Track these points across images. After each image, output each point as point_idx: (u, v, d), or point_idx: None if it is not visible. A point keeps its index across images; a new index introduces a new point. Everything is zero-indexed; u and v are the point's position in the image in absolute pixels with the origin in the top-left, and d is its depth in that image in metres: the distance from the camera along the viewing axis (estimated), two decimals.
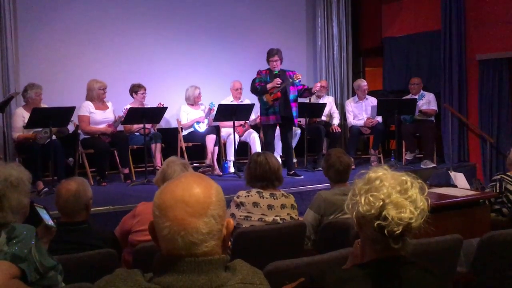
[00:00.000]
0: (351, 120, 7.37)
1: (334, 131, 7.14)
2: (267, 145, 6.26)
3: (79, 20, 6.67)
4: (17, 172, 2.01)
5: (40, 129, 5.38)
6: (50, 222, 2.21)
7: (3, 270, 1.78)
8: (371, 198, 1.45)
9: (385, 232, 1.41)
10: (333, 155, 3.32)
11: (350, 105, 7.45)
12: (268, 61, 6.10)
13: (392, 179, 1.49)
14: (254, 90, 6.13)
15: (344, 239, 2.36)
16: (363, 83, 7.41)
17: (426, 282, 1.49)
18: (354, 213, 1.50)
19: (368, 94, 7.45)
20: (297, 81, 5.96)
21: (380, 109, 6.88)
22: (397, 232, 1.41)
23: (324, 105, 7.06)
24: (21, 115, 5.50)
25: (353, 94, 7.85)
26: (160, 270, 1.21)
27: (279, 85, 5.89)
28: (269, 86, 5.94)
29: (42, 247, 1.97)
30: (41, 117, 5.21)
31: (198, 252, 1.19)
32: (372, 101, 7.30)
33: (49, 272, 1.93)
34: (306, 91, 6.20)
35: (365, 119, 7.22)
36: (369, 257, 1.52)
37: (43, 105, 5.68)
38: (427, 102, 7.12)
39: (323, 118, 7.26)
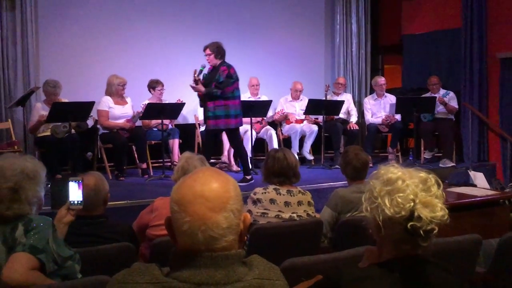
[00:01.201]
0: (369, 117, 7.32)
1: (352, 128, 7.10)
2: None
3: (99, 16, 6.72)
4: (32, 164, 2.03)
5: (60, 124, 5.45)
6: (76, 200, 2.22)
7: (22, 261, 1.81)
8: (399, 200, 1.42)
9: (420, 232, 1.40)
10: (351, 152, 3.30)
11: (369, 103, 7.39)
12: None
13: (412, 178, 1.47)
14: None
15: (361, 237, 2.35)
16: (380, 79, 7.36)
17: (445, 282, 1.47)
18: (378, 217, 1.46)
19: (386, 92, 7.39)
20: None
21: (399, 107, 6.81)
22: (434, 231, 1.41)
23: (341, 102, 7.02)
24: (41, 109, 5.58)
25: (371, 91, 7.79)
26: (177, 265, 1.21)
27: (194, 79, 5.28)
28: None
29: (59, 238, 2.00)
30: (61, 111, 5.27)
31: (217, 247, 1.20)
32: (391, 98, 7.24)
33: (66, 262, 1.97)
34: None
35: (383, 117, 7.16)
36: (387, 256, 1.50)
37: (63, 99, 5.75)
38: (448, 100, 7.04)
39: (341, 115, 7.22)
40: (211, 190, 1.21)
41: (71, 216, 2.24)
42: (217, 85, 5.20)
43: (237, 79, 5.38)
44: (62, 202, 2.25)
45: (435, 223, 1.41)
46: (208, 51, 5.34)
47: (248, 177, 5.54)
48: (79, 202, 2.23)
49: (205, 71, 5.40)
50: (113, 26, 6.79)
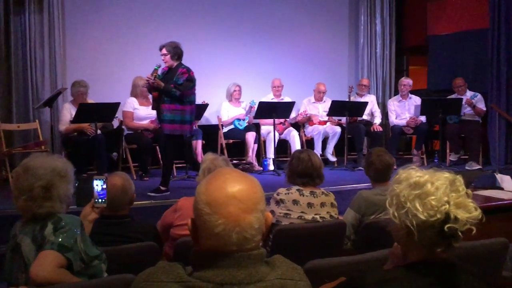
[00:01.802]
0: (393, 119, 7.25)
1: (375, 130, 7.05)
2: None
3: (125, 18, 6.82)
4: (62, 163, 2.08)
5: (86, 124, 5.58)
6: (100, 199, 2.26)
7: (51, 259, 1.84)
8: (433, 203, 1.39)
9: (458, 233, 1.38)
10: (374, 154, 3.27)
11: (393, 104, 7.32)
12: None
13: (440, 180, 1.45)
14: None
15: (385, 240, 2.33)
16: (403, 79, 7.31)
17: (472, 286, 1.45)
18: (411, 222, 1.42)
19: (411, 93, 7.31)
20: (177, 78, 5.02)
21: (424, 109, 6.73)
22: (473, 232, 1.39)
23: (365, 103, 6.96)
24: (69, 110, 5.70)
25: (396, 93, 7.71)
26: (199, 264, 1.22)
27: (147, 82, 5.02)
28: (146, 86, 5.24)
29: (87, 237, 2.03)
30: (87, 112, 5.37)
31: (248, 247, 1.21)
32: (416, 100, 7.16)
33: (93, 261, 1.99)
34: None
35: (408, 118, 7.08)
36: (413, 258, 1.48)
37: (90, 100, 5.85)
38: (476, 102, 6.93)
39: (364, 117, 7.16)
40: (243, 191, 1.21)
41: (96, 214, 2.27)
42: (176, 86, 4.93)
43: (195, 84, 5.13)
44: (87, 200, 2.29)
45: (473, 223, 1.39)
46: (164, 51, 5.07)
47: (163, 188, 5.10)
48: (103, 200, 2.26)
49: (159, 72, 5.07)
50: (138, 29, 6.88)
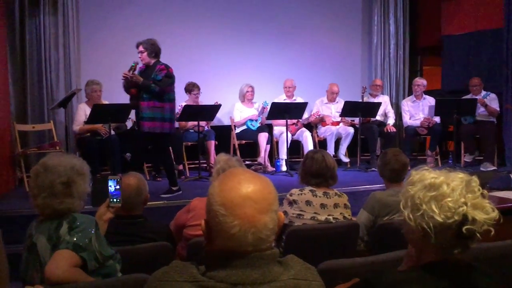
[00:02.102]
0: (407, 120, 7.20)
1: (389, 131, 7.01)
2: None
3: (138, 19, 6.86)
4: (79, 161, 2.12)
5: (100, 125, 5.63)
6: (115, 199, 2.28)
7: (66, 258, 1.86)
8: (450, 204, 1.38)
9: (477, 235, 1.37)
10: (389, 154, 3.25)
11: (407, 105, 7.28)
12: None
13: (455, 181, 1.43)
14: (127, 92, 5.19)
15: (399, 241, 2.31)
16: (417, 79, 7.27)
17: (488, 286, 1.43)
18: (427, 224, 1.40)
19: (425, 94, 7.25)
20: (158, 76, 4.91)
21: (438, 109, 6.68)
22: (491, 233, 1.38)
23: (378, 104, 6.93)
24: (84, 110, 5.75)
25: (410, 93, 7.66)
26: (213, 264, 1.22)
27: (124, 78, 4.89)
28: (123, 82, 5.04)
29: (102, 237, 2.05)
30: (101, 113, 5.41)
31: (263, 247, 1.21)
32: (430, 100, 7.11)
33: (108, 261, 2.01)
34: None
35: (422, 119, 7.03)
36: (427, 259, 1.47)
37: (104, 101, 5.90)
38: (489, 101, 6.85)
39: (378, 117, 7.13)
40: (257, 192, 1.21)
41: (111, 214, 2.29)
42: (155, 82, 4.85)
43: (174, 81, 5.06)
44: (102, 200, 2.30)
45: (489, 224, 1.38)
46: (141, 48, 4.97)
47: (175, 188, 5.12)
48: (118, 200, 2.28)
49: (136, 71, 4.99)
50: (151, 30, 6.88)
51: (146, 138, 4.98)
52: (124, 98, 5.78)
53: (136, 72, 4.93)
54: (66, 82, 6.33)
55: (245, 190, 1.21)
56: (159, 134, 4.91)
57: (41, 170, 2.02)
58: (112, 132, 5.65)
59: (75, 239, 1.91)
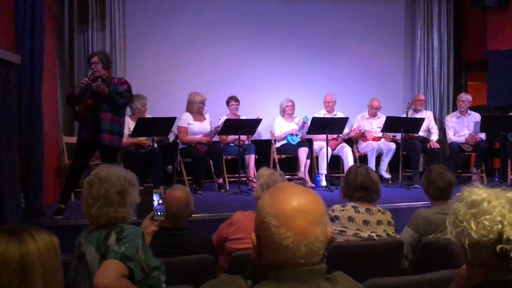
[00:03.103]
0: (451, 136, 7.04)
1: (433, 147, 6.86)
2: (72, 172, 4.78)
3: (181, 36, 7.04)
4: (128, 172, 2.18)
5: (144, 138, 5.77)
6: (159, 212, 2.31)
7: (114, 268, 1.90)
8: (486, 222, 1.35)
9: (510, 255, 1.33)
10: (435, 171, 3.18)
11: (451, 121, 7.12)
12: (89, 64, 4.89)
13: (499, 199, 1.40)
14: (66, 100, 4.92)
15: (444, 260, 2.26)
16: (461, 94, 7.13)
17: None
18: (465, 241, 1.39)
19: (470, 110, 7.08)
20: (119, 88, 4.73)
21: (484, 126, 6.50)
22: None
23: (422, 119, 6.80)
24: (127, 124, 5.88)
25: (454, 109, 7.50)
26: (261, 278, 1.22)
27: (84, 85, 4.59)
28: (76, 90, 4.72)
29: (148, 248, 2.08)
30: (145, 126, 5.53)
31: (314, 260, 1.21)
32: (475, 116, 6.93)
33: (153, 271, 2.04)
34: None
35: (467, 135, 6.86)
36: (476, 280, 1.43)
37: (147, 115, 6.03)
38: None
39: (421, 133, 6.99)
40: (309, 204, 1.22)
41: (155, 227, 2.33)
42: (120, 94, 4.70)
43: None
44: (147, 212, 2.35)
45: None
46: (95, 59, 4.74)
47: None
48: (162, 214, 2.32)
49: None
50: (195, 46, 7.07)
51: (103, 150, 4.76)
52: (166, 112, 5.92)
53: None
54: None
55: (297, 202, 1.21)
56: (116, 148, 4.81)
57: (96, 181, 2.08)
58: (155, 145, 5.76)
59: (122, 249, 1.95)
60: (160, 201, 2.32)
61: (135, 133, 5.57)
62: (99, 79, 4.66)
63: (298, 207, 1.20)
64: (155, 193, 2.33)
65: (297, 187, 1.28)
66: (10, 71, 4.37)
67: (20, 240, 1.27)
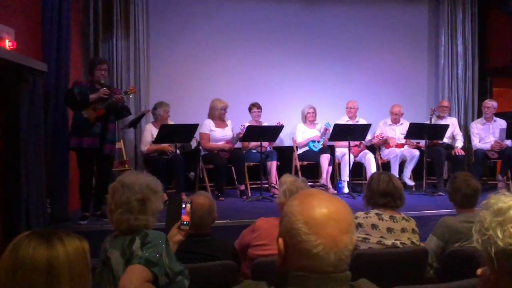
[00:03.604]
0: (476, 143, 6.93)
1: (457, 154, 6.76)
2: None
3: (204, 44, 7.11)
4: (154, 180, 2.19)
5: (166, 145, 5.83)
6: (186, 221, 2.33)
7: (138, 273, 1.91)
8: None
9: None
10: (460, 178, 3.14)
11: (476, 127, 7.01)
12: (93, 70, 4.86)
13: None
14: (70, 101, 4.78)
15: (470, 269, 2.22)
16: (487, 101, 7.01)
17: None
18: (491, 249, 1.38)
19: (496, 116, 6.96)
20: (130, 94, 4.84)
21: (510, 132, 6.39)
22: None
23: (446, 126, 6.71)
24: (150, 131, 5.95)
25: (479, 115, 7.39)
26: (286, 284, 1.21)
27: (106, 96, 4.71)
28: (93, 96, 4.70)
29: (171, 253, 2.10)
30: (168, 133, 5.58)
31: (342, 268, 1.20)
32: (501, 123, 6.81)
33: (177, 276, 2.05)
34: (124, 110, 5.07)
35: (492, 142, 6.74)
36: None
37: (170, 121, 6.09)
38: None
39: (445, 140, 6.90)
40: (339, 212, 1.21)
41: (181, 236, 2.34)
42: (124, 107, 5.01)
43: None
44: (175, 221, 2.36)
45: None
46: (106, 67, 4.89)
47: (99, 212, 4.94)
48: (187, 223, 2.33)
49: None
50: (217, 53, 7.13)
51: (103, 159, 4.89)
52: (189, 119, 5.97)
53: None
54: (136, 103, 6.60)
55: (327, 209, 1.20)
56: (113, 157, 5.15)
57: (119, 187, 2.11)
58: (177, 152, 5.80)
59: (147, 254, 1.96)
60: (188, 211, 2.34)
61: (158, 139, 5.64)
62: (111, 90, 4.84)
63: (328, 214, 1.19)
64: (184, 203, 2.35)
65: (325, 194, 1.27)
66: (37, 79, 4.46)
67: (49, 244, 1.29)
